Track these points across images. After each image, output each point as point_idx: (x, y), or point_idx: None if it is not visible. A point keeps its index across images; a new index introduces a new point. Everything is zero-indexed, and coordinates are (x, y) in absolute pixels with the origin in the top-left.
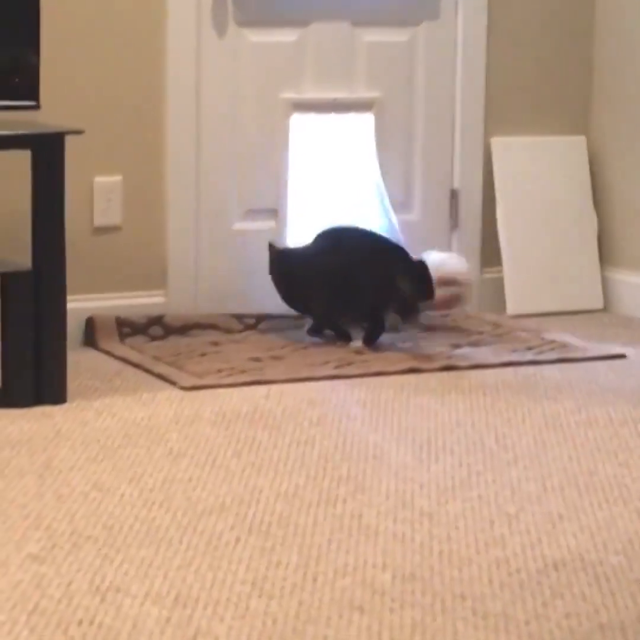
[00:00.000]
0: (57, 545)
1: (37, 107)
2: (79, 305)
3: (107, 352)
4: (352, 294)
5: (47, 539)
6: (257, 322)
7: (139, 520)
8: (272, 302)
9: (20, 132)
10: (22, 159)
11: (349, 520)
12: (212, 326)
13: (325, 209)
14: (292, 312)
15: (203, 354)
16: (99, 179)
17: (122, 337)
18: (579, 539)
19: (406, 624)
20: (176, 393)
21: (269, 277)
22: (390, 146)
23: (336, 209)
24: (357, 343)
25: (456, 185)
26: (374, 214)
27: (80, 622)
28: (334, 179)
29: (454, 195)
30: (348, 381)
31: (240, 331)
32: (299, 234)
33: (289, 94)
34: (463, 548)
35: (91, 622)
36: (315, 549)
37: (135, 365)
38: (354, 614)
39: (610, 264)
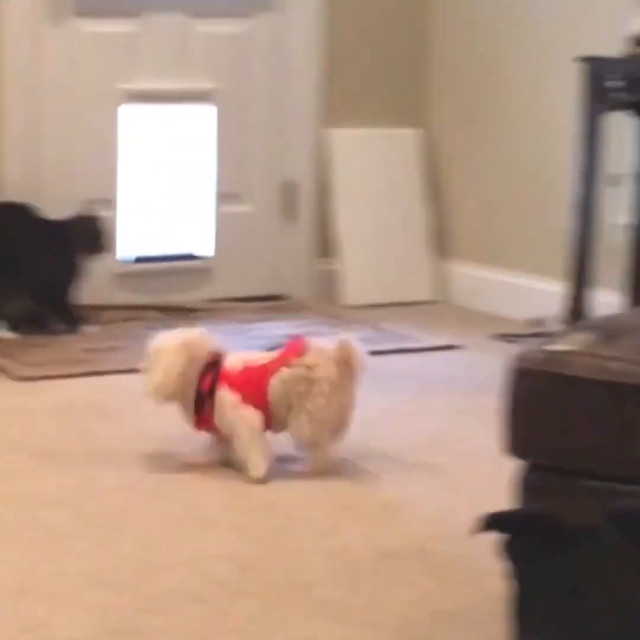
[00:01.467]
0: None
1: None
2: None
3: None
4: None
5: None
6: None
7: None
8: (102, 294)
9: None
10: None
11: (186, 510)
12: None
13: (159, 200)
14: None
15: (37, 345)
16: None
17: None
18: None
19: (244, 614)
20: (10, 384)
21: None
22: (226, 137)
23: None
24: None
25: (292, 176)
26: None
27: None
28: (168, 169)
29: (289, 187)
30: None
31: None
32: (132, 224)
33: (124, 85)
34: (300, 538)
35: None
36: (152, 540)
37: None
38: (192, 604)
39: (446, 255)
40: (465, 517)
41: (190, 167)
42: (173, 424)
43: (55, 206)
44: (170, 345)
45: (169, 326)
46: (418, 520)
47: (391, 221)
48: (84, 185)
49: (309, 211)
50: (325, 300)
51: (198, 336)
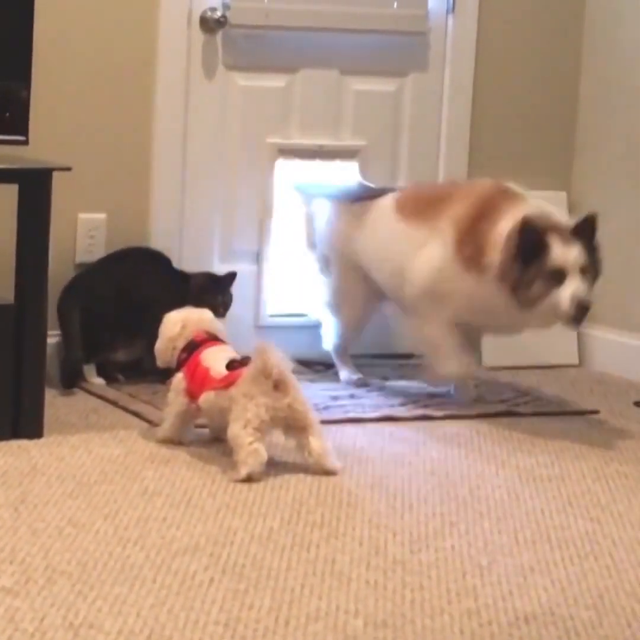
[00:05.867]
0: (31, 580)
1: (25, 142)
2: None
3: (84, 389)
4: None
5: (21, 573)
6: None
7: (113, 558)
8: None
9: (8, 166)
10: (8, 193)
11: (322, 565)
12: None
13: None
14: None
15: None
16: (83, 216)
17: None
18: (550, 593)
19: None
20: (152, 431)
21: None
22: None
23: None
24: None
25: None
26: None
27: None
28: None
29: None
30: (323, 427)
31: None
32: (279, 278)
33: (275, 139)
34: (435, 597)
35: None
36: (288, 592)
37: (112, 403)
38: None
39: (586, 320)
40: (602, 584)
41: None
42: (311, 479)
43: (199, 257)
44: (172, 318)
45: (307, 379)
46: (553, 584)
47: None
48: (229, 237)
49: None
50: None
51: (199, 315)
